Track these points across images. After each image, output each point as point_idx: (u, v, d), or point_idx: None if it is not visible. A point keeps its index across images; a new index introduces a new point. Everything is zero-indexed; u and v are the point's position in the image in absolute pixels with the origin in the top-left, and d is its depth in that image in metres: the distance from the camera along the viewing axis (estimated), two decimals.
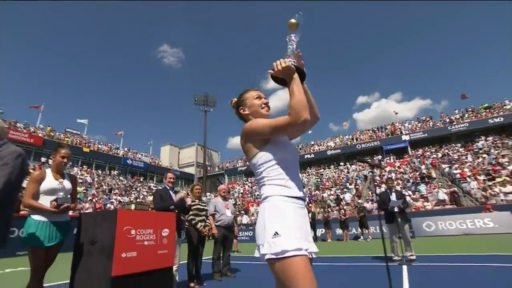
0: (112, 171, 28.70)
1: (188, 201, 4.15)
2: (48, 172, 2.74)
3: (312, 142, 34.99)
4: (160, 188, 3.97)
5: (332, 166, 29.63)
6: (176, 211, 3.74)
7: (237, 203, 23.78)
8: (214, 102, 38.41)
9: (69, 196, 2.80)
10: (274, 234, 1.04)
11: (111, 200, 16.30)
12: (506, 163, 17.12)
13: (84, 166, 25.81)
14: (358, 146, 29.87)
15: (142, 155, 35.85)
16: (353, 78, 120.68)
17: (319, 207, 16.61)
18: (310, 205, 17.79)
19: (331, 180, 24.34)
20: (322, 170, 29.32)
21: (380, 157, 28.03)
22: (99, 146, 30.55)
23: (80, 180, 20.32)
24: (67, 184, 2.77)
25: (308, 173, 29.78)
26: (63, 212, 2.62)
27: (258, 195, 25.94)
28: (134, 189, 24.44)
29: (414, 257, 5.07)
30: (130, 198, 18.95)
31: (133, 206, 3.10)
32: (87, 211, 12.50)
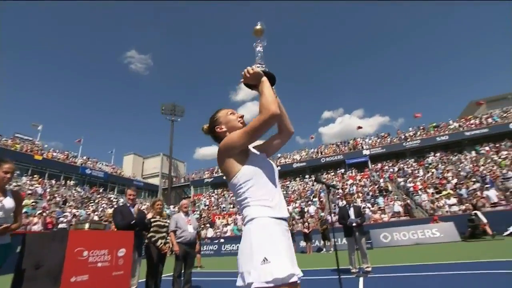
0: (68, 181, 26.50)
1: (148, 215, 4.02)
2: None
3: (279, 155, 35.68)
4: (121, 205, 3.82)
5: (297, 179, 30.38)
6: (137, 228, 3.62)
7: (203, 216, 23.21)
8: (182, 112, 37.77)
9: (11, 214, 2.58)
10: (263, 260, 0.95)
11: (64, 214, 14.95)
12: (450, 177, 18.98)
13: (35, 176, 23.51)
14: (323, 160, 31.08)
15: (102, 164, 33.72)
16: (319, 93, 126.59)
17: None
18: None
19: (296, 192, 24.90)
20: (288, 182, 29.90)
21: (343, 170, 29.36)
22: (54, 154, 28.16)
23: (29, 192, 18.47)
24: (8, 202, 2.53)
25: None
26: (2, 234, 2.39)
27: (224, 207, 25.61)
28: (92, 201, 22.74)
29: (370, 269, 5.37)
30: (87, 211, 17.58)
31: (87, 226, 2.93)
32: (34, 226, 11.36)
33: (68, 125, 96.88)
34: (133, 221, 3.56)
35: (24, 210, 12.75)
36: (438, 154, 26.15)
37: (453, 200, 13.98)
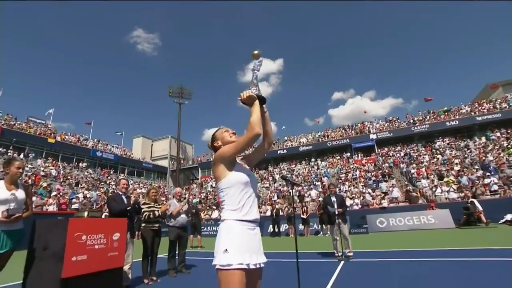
0: (80, 164, 27.67)
1: (134, 198, 4.39)
2: (1, 183, 2.93)
3: (286, 138, 35.90)
4: (113, 194, 4.26)
5: (303, 162, 30.70)
6: (129, 214, 4.06)
7: (209, 198, 24.05)
8: (190, 95, 38.04)
9: (23, 205, 3.03)
10: (225, 250, 1.34)
11: (76, 195, 15.91)
12: (456, 164, 18.89)
13: (49, 158, 24.68)
14: (329, 143, 31.10)
15: (112, 146, 34.79)
16: (330, 73, 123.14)
17: (287, 203, 17.37)
18: (278, 200, 18.56)
19: (301, 176, 25.29)
20: (294, 166, 30.27)
21: (348, 154, 29.45)
22: (66, 136, 29.25)
23: (43, 173, 19.53)
24: (20, 194, 2.97)
25: (280, 168, 30.63)
26: (15, 222, 2.83)
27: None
28: (103, 183, 23.84)
29: (351, 254, 5.78)
30: (97, 193, 18.57)
31: (85, 214, 3.36)
32: (50, 207, 12.24)
33: (79, 107, 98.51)
34: (129, 207, 4.01)
35: (39, 192, 13.66)
36: (446, 139, 25.82)
37: (452, 188, 14.07)
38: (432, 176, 17.16)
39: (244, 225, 1.44)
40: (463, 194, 13.09)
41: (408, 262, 5.22)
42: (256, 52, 1.60)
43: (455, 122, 26.66)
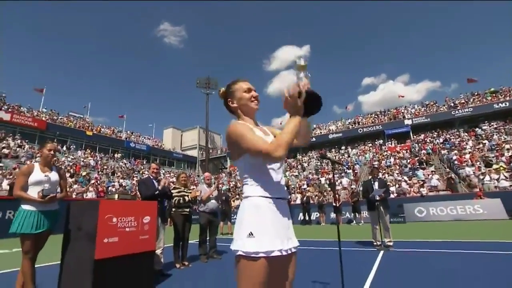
0: (115, 154, 29.23)
1: (163, 182, 4.23)
2: (36, 165, 2.97)
3: (314, 126, 34.96)
4: (144, 178, 4.22)
5: (333, 150, 29.77)
6: (159, 198, 4.00)
7: (238, 186, 24.25)
8: (216, 85, 38.18)
9: (57, 187, 3.05)
10: (249, 234, 1.09)
11: (113, 184, 16.80)
12: (507, 150, 17.05)
13: (87, 150, 26.32)
14: (360, 130, 29.78)
15: (144, 138, 36.29)
16: (359, 58, 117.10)
17: (318, 191, 16.93)
18: (308, 188, 18.16)
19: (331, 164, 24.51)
20: (323, 153, 29.44)
21: (381, 141, 27.98)
22: (102, 129, 30.94)
23: (83, 163, 20.84)
24: (53, 176, 2.98)
25: (309, 156, 29.98)
26: (50, 202, 2.85)
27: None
28: (136, 172, 24.98)
29: (391, 243, 5.33)
30: (132, 182, 19.48)
31: (116, 196, 3.32)
32: (89, 194, 13.00)
33: (112, 101, 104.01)
34: (157, 191, 3.95)
35: (80, 180, 14.58)
36: (494, 123, 23.43)
37: (503, 175, 12.69)
38: (478, 163, 15.68)
39: (272, 203, 1.17)
40: None
41: (455, 253, 4.69)
42: (302, 63, 1.16)
43: (505, 104, 24.04)
